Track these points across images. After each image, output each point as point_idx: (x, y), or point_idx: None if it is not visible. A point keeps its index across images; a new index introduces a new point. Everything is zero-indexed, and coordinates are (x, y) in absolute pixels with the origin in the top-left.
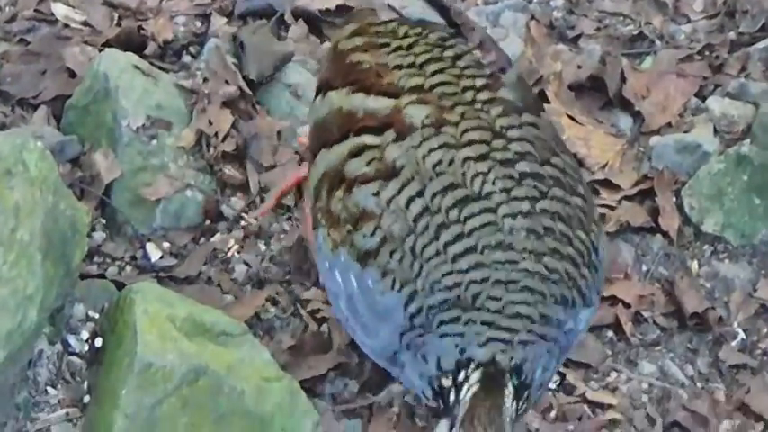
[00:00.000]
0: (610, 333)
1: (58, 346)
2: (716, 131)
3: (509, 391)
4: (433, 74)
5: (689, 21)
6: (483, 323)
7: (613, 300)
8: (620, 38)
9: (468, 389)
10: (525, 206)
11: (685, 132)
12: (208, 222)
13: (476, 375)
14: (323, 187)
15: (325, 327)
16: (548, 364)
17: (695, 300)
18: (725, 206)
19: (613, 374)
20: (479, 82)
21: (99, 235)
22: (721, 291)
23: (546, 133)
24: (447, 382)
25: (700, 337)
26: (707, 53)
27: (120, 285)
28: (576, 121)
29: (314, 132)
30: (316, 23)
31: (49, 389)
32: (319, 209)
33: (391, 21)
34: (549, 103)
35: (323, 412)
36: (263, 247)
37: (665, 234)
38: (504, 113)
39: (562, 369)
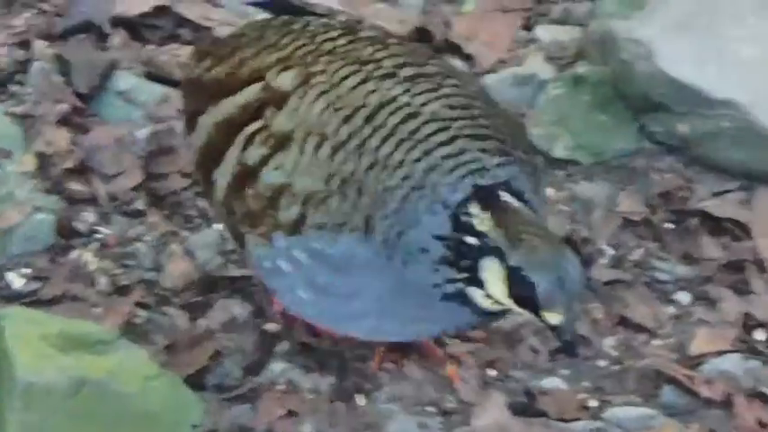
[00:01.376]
0: None
1: None
2: (548, 59)
3: (510, 198)
4: (288, 44)
5: None
6: (449, 167)
7: None
8: None
9: (481, 222)
10: (431, 94)
11: (518, 66)
12: (63, 241)
13: (475, 209)
14: (231, 198)
15: (200, 321)
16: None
17: (557, 225)
18: (571, 129)
19: None
20: (335, 33)
21: None
22: (582, 212)
23: (418, 48)
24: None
25: None
26: None
27: None
28: None
29: (200, 161)
30: (136, 28)
31: None
32: (237, 221)
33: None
34: None
35: (210, 402)
36: (122, 255)
37: None
38: (370, 45)
39: None
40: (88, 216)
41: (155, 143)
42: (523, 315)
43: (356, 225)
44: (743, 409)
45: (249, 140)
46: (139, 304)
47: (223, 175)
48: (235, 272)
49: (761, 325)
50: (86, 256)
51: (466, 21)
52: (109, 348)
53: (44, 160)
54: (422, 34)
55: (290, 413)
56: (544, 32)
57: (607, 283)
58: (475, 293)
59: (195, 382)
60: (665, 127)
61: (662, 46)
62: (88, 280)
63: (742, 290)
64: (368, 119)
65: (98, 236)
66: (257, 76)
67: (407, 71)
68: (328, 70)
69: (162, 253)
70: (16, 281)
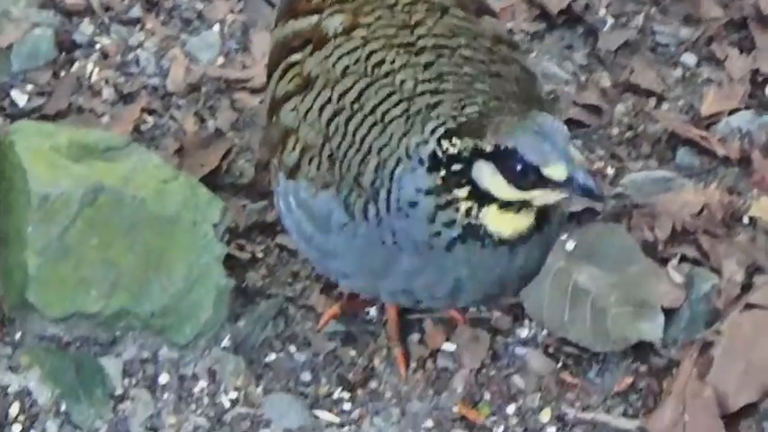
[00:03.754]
0: None
1: None
2: None
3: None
4: None
5: None
6: (420, 126)
7: None
8: None
9: (455, 146)
10: (424, 63)
11: None
12: (63, 54)
13: (446, 144)
14: (267, 117)
15: (208, 122)
16: None
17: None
18: None
19: None
20: None
21: None
22: None
23: (471, 25)
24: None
25: (571, 33)
26: None
27: None
28: None
29: (267, 65)
30: None
31: None
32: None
33: None
34: None
35: (228, 200)
36: (124, 63)
37: None
38: (425, 11)
39: None
40: (86, 28)
41: None
42: (538, 199)
43: (337, 187)
44: (760, 164)
45: (285, 71)
46: (146, 110)
47: (269, 94)
48: (239, 72)
49: None
50: (88, 68)
51: None
52: (121, 155)
53: None
54: None
55: None
56: None
57: (610, 52)
58: (485, 215)
59: (210, 182)
60: None
61: None
62: (92, 91)
63: (747, 47)
64: (362, 92)
65: (98, 46)
66: (319, 9)
67: (426, 42)
68: (371, 27)
69: (164, 58)
70: (20, 98)
